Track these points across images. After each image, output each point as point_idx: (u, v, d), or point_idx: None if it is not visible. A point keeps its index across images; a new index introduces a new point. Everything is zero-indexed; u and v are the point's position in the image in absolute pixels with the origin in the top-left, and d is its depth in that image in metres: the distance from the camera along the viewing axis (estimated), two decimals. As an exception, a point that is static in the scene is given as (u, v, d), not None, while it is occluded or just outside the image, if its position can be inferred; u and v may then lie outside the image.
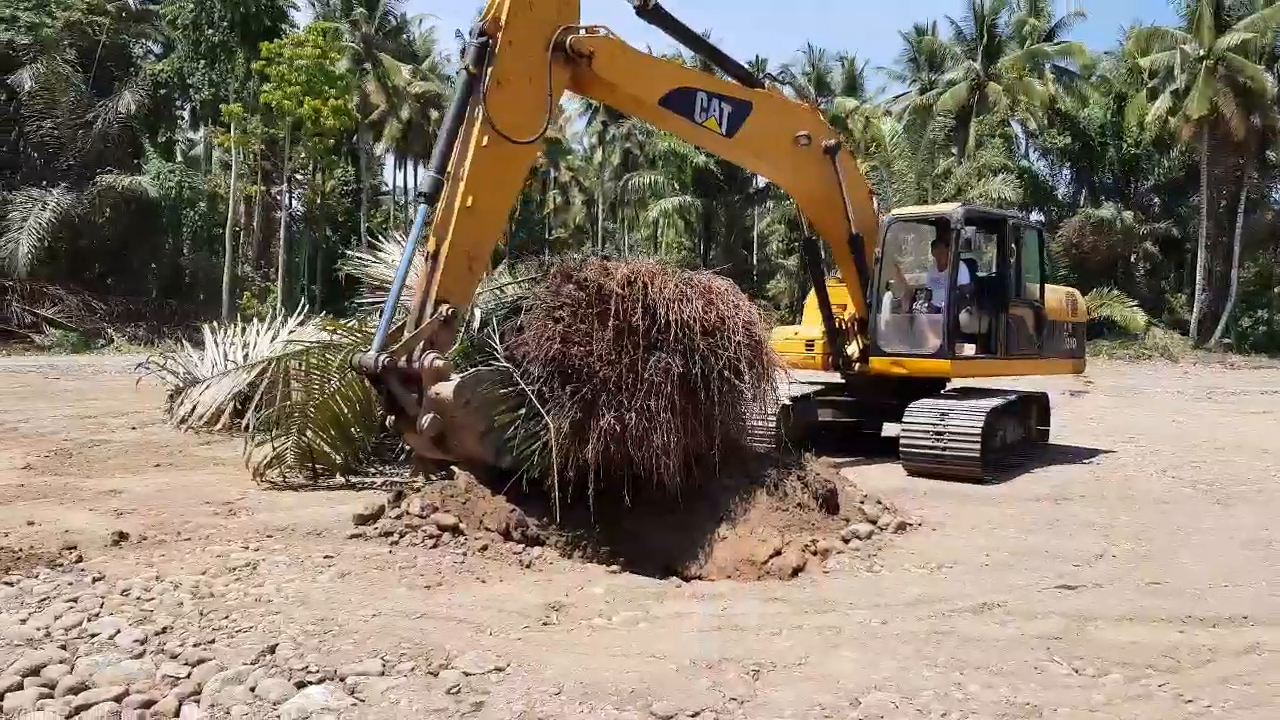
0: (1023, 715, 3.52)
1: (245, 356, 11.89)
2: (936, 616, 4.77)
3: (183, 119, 47.50)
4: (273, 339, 12.03)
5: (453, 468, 6.46)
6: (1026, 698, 3.69)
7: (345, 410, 8.14)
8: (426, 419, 6.06)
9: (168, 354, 13.70)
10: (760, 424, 7.73)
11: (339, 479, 8.07)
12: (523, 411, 6.17)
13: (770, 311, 38.49)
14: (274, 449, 7.98)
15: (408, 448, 7.71)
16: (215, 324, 13.40)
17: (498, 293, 7.99)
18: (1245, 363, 37.45)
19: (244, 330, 12.81)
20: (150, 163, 39.25)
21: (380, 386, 6.38)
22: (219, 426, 10.75)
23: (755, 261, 51.14)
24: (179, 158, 45.98)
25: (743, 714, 3.44)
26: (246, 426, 9.92)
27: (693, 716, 3.40)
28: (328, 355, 8.45)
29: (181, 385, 11.99)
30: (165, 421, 11.68)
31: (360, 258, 10.68)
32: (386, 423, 6.77)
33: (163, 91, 41.21)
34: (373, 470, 8.35)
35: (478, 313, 7.41)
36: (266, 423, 8.48)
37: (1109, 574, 5.77)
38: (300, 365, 8.83)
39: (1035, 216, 43.32)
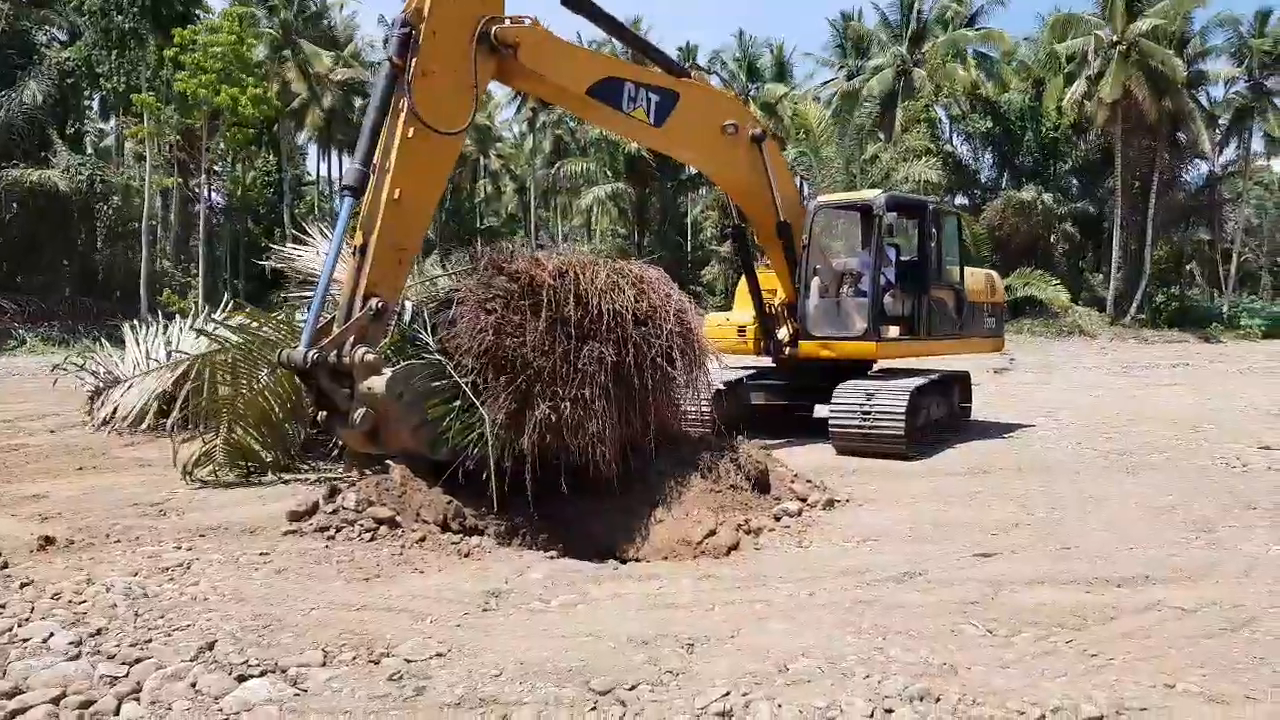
0: (939, 674, 3.73)
1: (168, 355, 11.63)
2: (861, 587, 4.99)
3: (92, 109, 45.74)
4: (196, 336, 11.78)
5: (388, 461, 6.48)
6: (943, 658, 3.91)
7: (275, 406, 8.04)
8: (359, 414, 6.07)
9: (86, 354, 13.31)
10: (694, 409, 7.89)
11: (271, 476, 7.99)
12: (457, 404, 6.21)
13: (706, 298, 38.88)
14: (203, 444, 7.87)
15: (341, 443, 7.68)
16: (136, 322, 13.05)
17: (429, 285, 7.98)
18: (1159, 337, 39.12)
19: (166, 327, 12.52)
20: (59, 155, 37.73)
21: (310, 382, 6.35)
22: (143, 427, 10.51)
23: (690, 248, 51.45)
24: (89, 150, 44.32)
25: (677, 685, 3.58)
26: (171, 427, 9.72)
27: (630, 690, 3.53)
28: (255, 350, 8.34)
29: (101, 386, 11.67)
30: (85, 424, 11.35)
31: (286, 250, 10.51)
32: (318, 418, 6.74)
33: (70, 81, 39.55)
34: (305, 466, 8.27)
35: (408, 306, 7.39)
36: (193, 419, 8.34)
37: (1023, 541, 6.08)
38: (227, 360, 8.69)
39: (959, 200, 44.48)
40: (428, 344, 6.52)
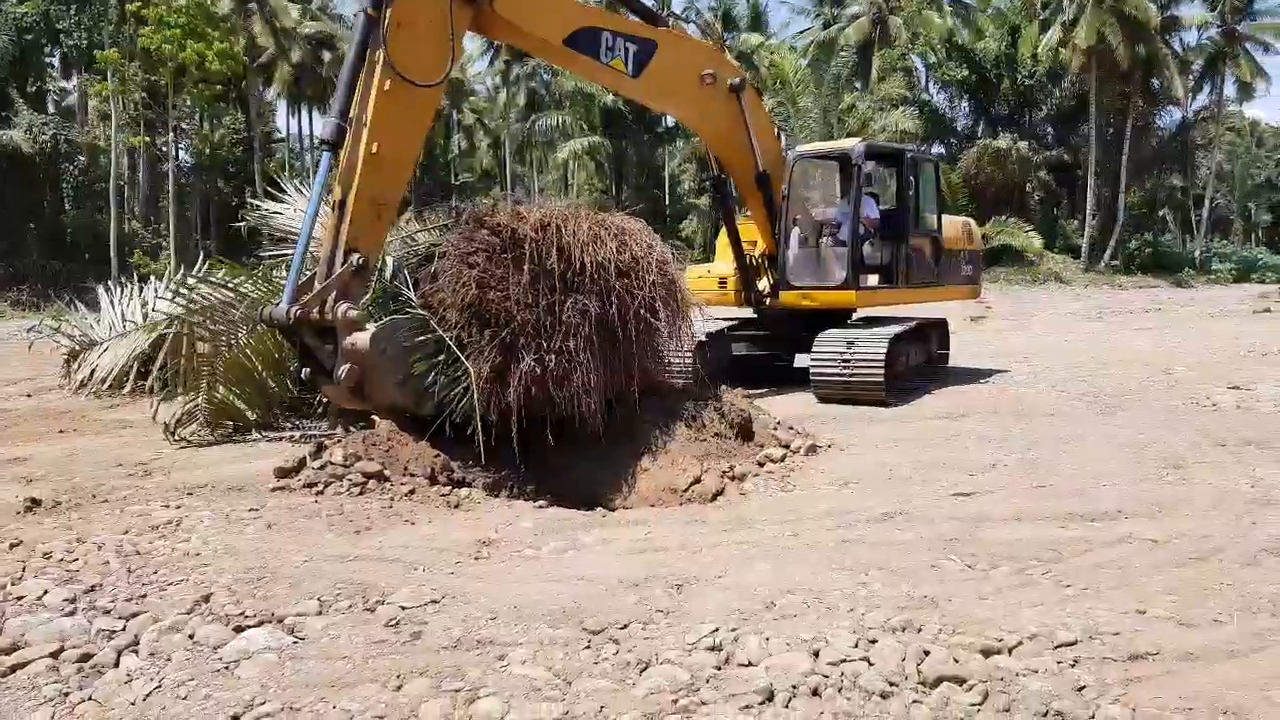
0: (920, 606, 3.85)
1: (145, 316, 11.55)
2: (844, 527, 5.11)
3: (53, 67, 44.61)
4: (174, 295, 11.69)
5: (373, 417, 6.51)
6: (924, 591, 4.03)
7: (258, 364, 8.04)
8: (343, 369, 6.08)
9: (61, 316, 13.19)
10: (678, 360, 7.95)
11: (255, 435, 8.00)
12: (441, 358, 6.23)
13: (684, 251, 38.82)
14: (185, 405, 7.86)
15: (325, 400, 7.69)
16: (109, 284, 12.92)
17: (408, 241, 7.94)
18: (1132, 283, 39.55)
19: (141, 289, 12.41)
20: (21, 115, 36.87)
21: (293, 339, 6.34)
22: (126, 390, 10.47)
23: (668, 202, 51.15)
24: (52, 109, 43.35)
25: (668, 623, 3.69)
26: (151, 389, 9.69)
27: (621, 629, 3.63)
28: (235, 307, 8.29)
29: (77, 349, 11.60)
30: (62, 387, 11.30)
31: (262, 207, 10.38)
32: (301, 375, 6.75)
33: (29, 37, 38.53)
34: (289, 425, 8.28)
35: (389, 261, 7.37)
36: (174, 378, 8.32)
37: (1000, 481, 6.23)
38: (207, 319, 8.65)
39: (936, 148, 44.44)
40: (410, 299, 6.51)
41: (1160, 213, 54.77)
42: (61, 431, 8.62)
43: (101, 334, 11.63)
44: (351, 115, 6.33)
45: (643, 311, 6.54)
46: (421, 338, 6.26)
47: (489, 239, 6.35)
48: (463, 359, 6.14)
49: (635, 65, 8.37)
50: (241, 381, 8.06)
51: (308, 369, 6.43)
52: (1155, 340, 16.73)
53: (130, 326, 11.30)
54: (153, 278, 13.44)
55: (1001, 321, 21.88)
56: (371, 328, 6.14)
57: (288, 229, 9.93)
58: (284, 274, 7.20)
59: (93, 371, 10.94)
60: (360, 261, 6.22)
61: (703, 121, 10.17)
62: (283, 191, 10.92)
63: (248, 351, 8.01)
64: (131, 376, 10.57)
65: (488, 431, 6.04)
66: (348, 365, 6.08)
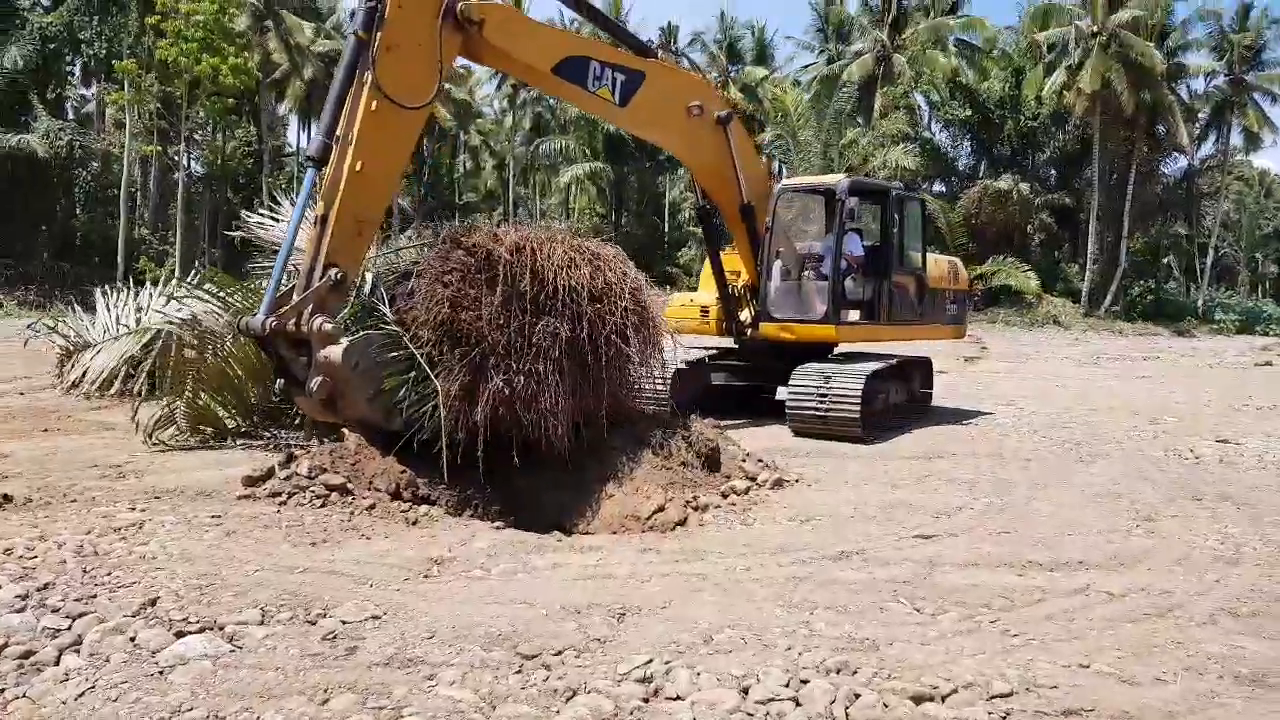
0: (859, 648, 3.86)
1: (138, 320, 11.66)
2: (797, 564, 5.11)
3: (73, 75, 45.28)
4: (166, 302, 11.81)
5: (344, 430, 6.56)
6: (867, 633, 4.04)
7: (239, 372, 8.12)
8: (315, 382, 6.13)
9: (58, 317, 13.31)
10: (650, 387, 7.98)
11: (232, 442, 8.06)
12: (412, 374, 6.28)
13: (681, 279, 38.93)
14: (163, 407, 7.94)
15: (302, 410, 7.74)
16: (108, 288, 13.06)
17: (391, 257, 8.03)
18: (1133, 330, 39.46)
19: (137, 294, 12.54)
20: (40, 121, 37.35)
21: (268, 350, 6.42)
22: (112, 391, 10.56)
23: (667, 229, 51.41)
24: (70, 116, 43.91)
25: (602, 652, 3.70)
26: (138, 392, 9.78)
27: (555, 655, 3.65)
28: (221, 316, 8.40)
29: (71, 349, 11.72)
30: (54, 386, 11.40)
31: (254, 220, 10.49)
32: (277, 386, 6.81)
33: (52, 46, 39.12)
34: (267, 433, 8.34)
35: (369, 277, 7.46)
36: (160, 384, 8.40)
37: (964, 525, 6.21)
38: (194, 326, 8.74)
39: (936, 187, 44.62)
40: (385, 315, 6.58)
41: (1164, 260, 54.81)
42: (45, 430, 8.70)
43: (96, 336, 11.74)
44: (338, 133, 6.44)
45: (614, 337, 6.57)
46: (394, 354, 6.31)
47: (464, 259, 6.41)
48: (432, 377, 6.19)
49: (622, 95, 8.48)
50: (222, 388, 8.14)
51: (282, 380, 6.49)
52: (1149, 389, 16.66)
53: (124, 330, 11.41)
54: (148, 283, 13.58)
55: (996, 363, 21.86)
56: (345, 341, 6.20)
57: (278, 242, 10.04)
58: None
59: (85, 373, 11.05)
60: (339, 276, 6.29)
61: (689, 152, 10.25)
62: (278, 205, 11.05)
63: (230, 359, 8.09)
64: (120, 379, 10.67)
65: (454, 450, 6.07)
66: (320, 378, 6.14)
